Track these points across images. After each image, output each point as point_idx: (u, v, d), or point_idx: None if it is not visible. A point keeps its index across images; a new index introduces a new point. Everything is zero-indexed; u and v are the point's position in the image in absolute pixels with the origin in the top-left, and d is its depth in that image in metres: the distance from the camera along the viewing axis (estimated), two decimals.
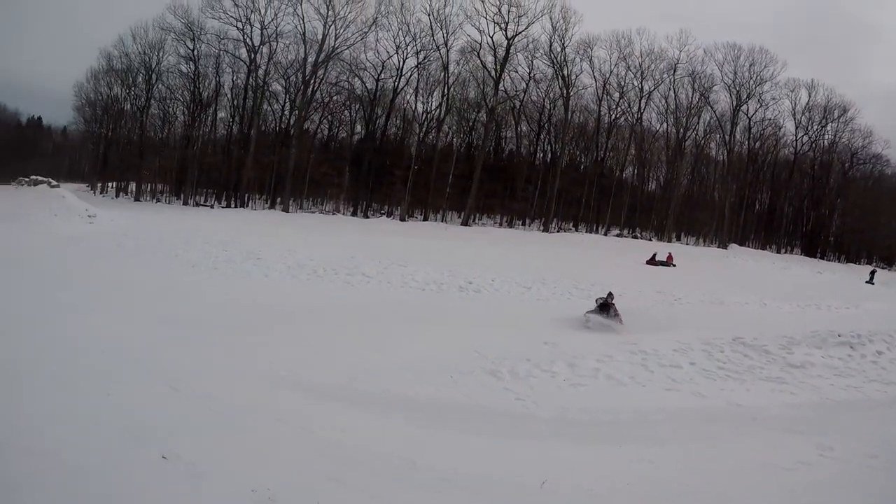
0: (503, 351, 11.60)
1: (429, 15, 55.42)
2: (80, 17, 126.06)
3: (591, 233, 54.93)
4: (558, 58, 56.36)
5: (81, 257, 22.40)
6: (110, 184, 67.44)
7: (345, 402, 8.92)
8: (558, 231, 54.86)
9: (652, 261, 32.03)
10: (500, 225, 56.70)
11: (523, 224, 57.16)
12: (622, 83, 58.61)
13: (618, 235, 54.15)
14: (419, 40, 56.34)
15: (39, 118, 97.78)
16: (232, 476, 5.52)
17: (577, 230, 56.57)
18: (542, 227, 54.97)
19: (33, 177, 37.93)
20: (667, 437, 8.01)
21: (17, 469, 4.45)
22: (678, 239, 56.10)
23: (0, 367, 8.04)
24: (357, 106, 60.96)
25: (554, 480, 6.30)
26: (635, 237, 54.29)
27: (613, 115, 59.61)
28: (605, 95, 58.61)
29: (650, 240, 52.67)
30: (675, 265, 31.70)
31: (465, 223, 53.35)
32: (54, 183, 37.30)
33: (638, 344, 11.99)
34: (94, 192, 64.09)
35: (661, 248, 38.92)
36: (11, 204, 31.19)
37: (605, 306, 15.45)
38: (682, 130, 59.37)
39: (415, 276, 21.28)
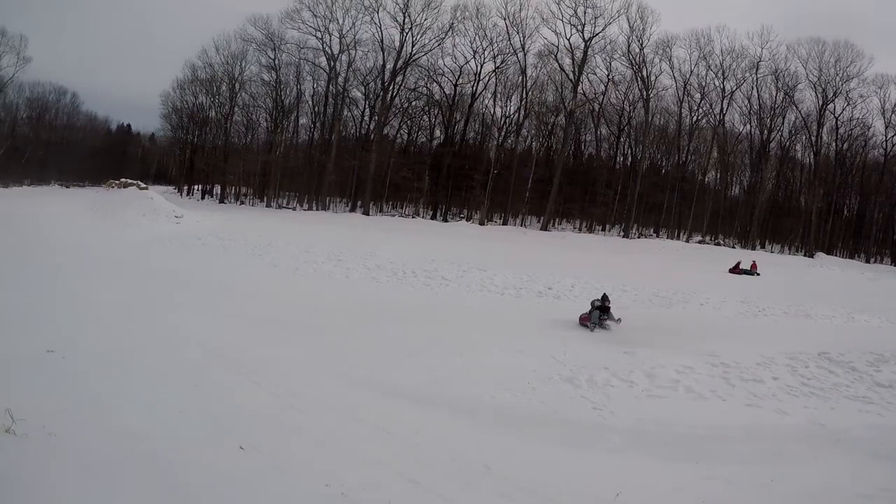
0: (582, 359, 11.60)
1: (504, 19, 55.49)
2: (165, 31, 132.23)
3: (671, 239, 53.53)
4: (637, 59, 55.37)
5: (168, 256, 23.45)
6: (196, 187, 70.36)
7: (422, 403, 9.05)
8: (638, 237, 53.78)
9: (736, 269, 31.25)
10: (580, 230, 56.06)
11: (603, 229, 56.31)
12: (703, 83, 56.49)
13: (699, 242, 52.49)
14: (496, 45, 56.49)
15: (128, 125, 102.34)
16: (307, 470, 5.68)
17: (657, 236, 55.28)
18: (622, 233, 54.12)
19: (123, 179, 39.55)
20: (745, 455, 7.81)
21: (111, 451, 4.66)
22: (762, 246, 54.03)
23: (100, 357, 8.49)
24: (436, 111, 61.56)
25: (628, 494, 6.29)
26: (717, 244, 52.82)
27: (695, 117, 57.45)
28: (685, 96, 56.85)
29: (733, 247, 51.15)
30: (759, 274, 30.87)
31: (544, 228, 52.99)
32: (143, 185, 38.95)
33: (719, 356, 11.77)
34: (181, 195, 66.68)
35: (745, 256, 37.83)
36: (103, 205, 33.08)
37: (605, 309, 15.20)
38: (765, 132, 56.54)
39: (493, 280, 21.24)
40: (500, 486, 6.31)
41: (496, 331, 14.18)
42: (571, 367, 11.08)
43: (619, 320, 14.96)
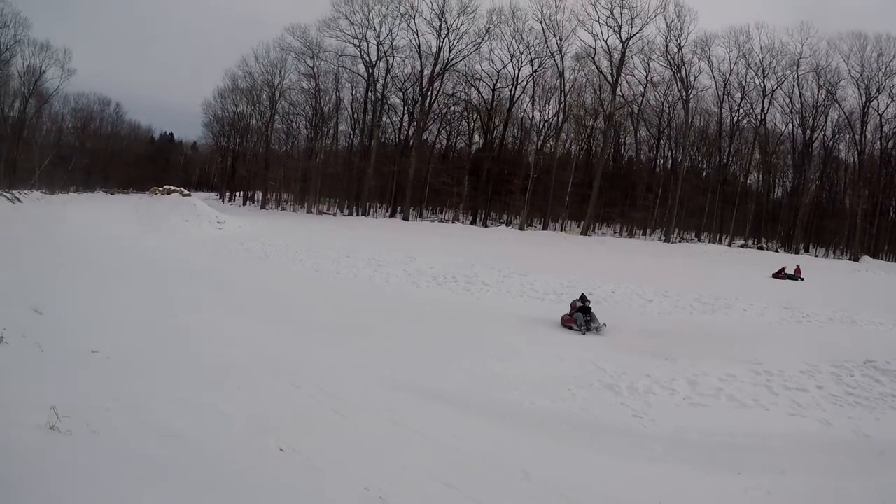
0: (622, 365, 11.58)
1: (541, 22, 55.18)
2: (206, 42, 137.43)
3: (713, 243, 52.68)
4: (675, 59, 54.46)
5: (211, 260, 23.91)
6: (237, 193, 71.64)
7: (461, 408, 9.11)
8: (680, 241, 53.04)
9: (779, 274, 30.86)
10: (620, 234, 55.69)
11: (643, 234, 55.82)
12: (743, 82, 55.67)
13: (742, 246, 51.47)
14: (533, 48, 56.37)
15: (171, 134, 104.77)
16: (345, 473, 5.67)
17: (699, 240, 54.73)
18: (662, 237, 53.42)
19: (166, 186, 40.42)
20: (787, 466, 7.71)
21: (153, 449, 4.69)
22: (806, 250, 52.79)
23: (144, 357, 8.64)
24: (474, 116, 61.56)
25: None
26: (760, 248, 51.67)
27: (735, 117, 56.81)
28: (725, 96, 56.00)
29: (776, 251, 50.00)
30: (802, 278, 30.36)
31: (584, 233, 52.59)
32: (186, 192, 39.58)
33: (763, 363, 11.65)
34: (223, 201, 68.01)
35: (788, 260, 37.34)
36: (148, 211, 33.67)
37: (587, 309, 15.46)
38: (808, 131, 55.26)
39: (534, 285, 21.17)
40: (539, 492, 6.35)
41: (536, 336, 14.32)
42: (612, 373, 11.13)
43: (604, 325, 15.11)
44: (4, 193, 30.39)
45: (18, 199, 30.68)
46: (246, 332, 12.36)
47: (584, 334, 14.79)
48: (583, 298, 15.90)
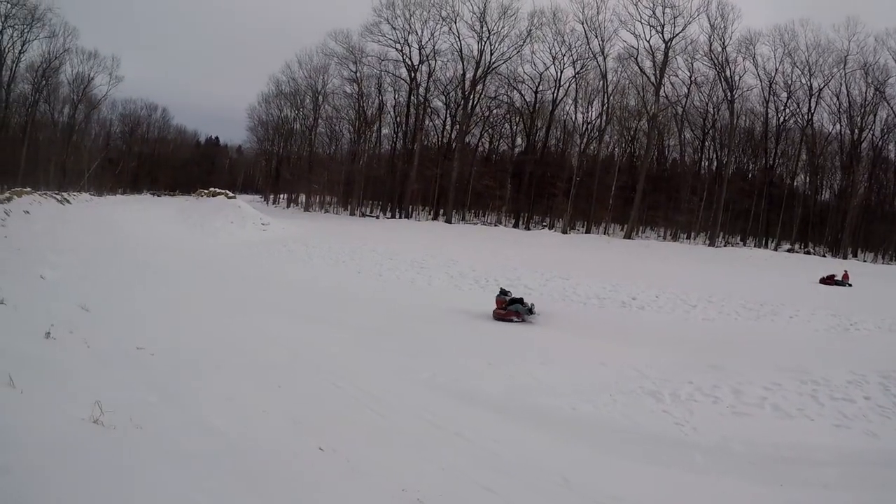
0: (665, 372, 11.42)
1: (582, 23, 54.88)
2: (250, 48, 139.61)
3: (759, 247, 51.40)
4: (719, 58, 53.30)
5: (255, 260, 24.26)
6: (282, 195, 72.84)
7: (502, 412, 9.09)
8: (725, 245, 52.09)
9: (827, 280, 30.21)
10: (664, 238, 54.95)
11: (688, 238, 54.99)
12: (789, 81, 53.55)
13: (788, 251, 50.10)
14: (575, 50, 56.10)
15: (217, 138, 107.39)
16: (383, 473, 5.68)
17: (744, 244, 53.57)
18: (707, 241, 52.54)
19: (212, 189, 41.08)
20: (832, 480, 7.52)
21: (195, 445, 4.74)
22: (854, 255, 50.71)
23: (188, 354, 8.78)
24: (517, 118, 61.58)
25: None
26: (807, 253, 49.94)
27: (782, 118, 54.93)
28: (771, 96, 54.34)
29: (823, 255, 48.49)
30: (850, 284, 29.64)
31: (627, 236, 52.03)
32: (231, 194, 40.27)
33: (809, 372, 11.38)
34: (267, 203, 69.26)
35: (836, 265, 36.56)
36: (194, 213, 34.27)
37: (518, 300, 16.40)
38: (856, 131, 52.33)
39: (576, 289, 21.07)
40: (578, 499, 6.35)
41: (578, 341, 14.19)
42: (655, 379, 10.99)
43: (538, 313, 16.36)
44: (55, 195, 31.18)
45: (68, 201, 31.42)
46: (288, 331, 12.55)
47: (524, 321, 15.92)
48: (503, 292, 16.82)
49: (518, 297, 16.85)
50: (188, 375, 7.39)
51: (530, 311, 16.31)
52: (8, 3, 43.66)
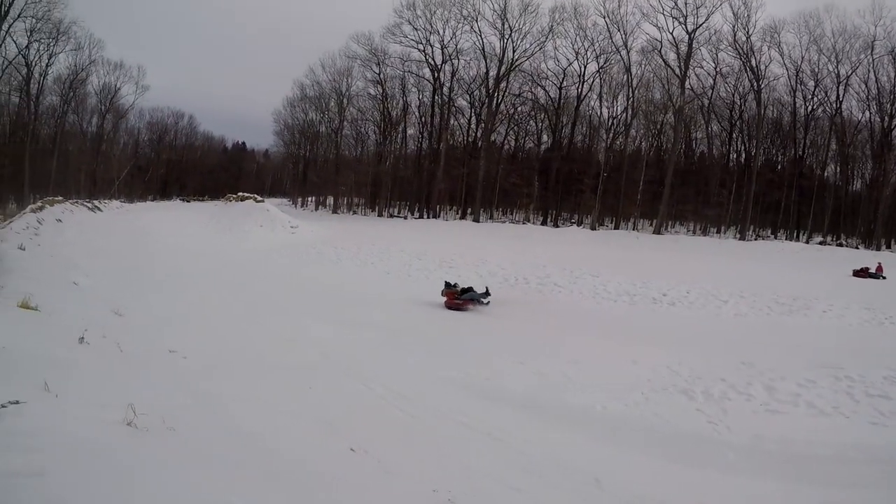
0: (697, 369, 11.36)
1: (604, 17, 54.52)
2: (271, 54, 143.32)
3: (790, 240, 50.42)
4: (744, 48, 52.06)
5: (284, 263, 24.44)
6: (309, 198, 73.44)
7: (532, 411, 9.08)
8: (755, 239, 51.06)
9: (861, 272, 29.53)
10: (694, 233, 54.30)
11: (718, 232, 54.06)
12: (816, 69, 51.69)
13: (820, 243, 48.79)
14: (598, 44, 55.75)
15: (243, 143, 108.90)
16: (415, 474, 5.68)
17: (775, 237, 52.68)
18: (737, 235, 51.74)
19: (240, 193, 41.46)
20: (869, 480, 7.38)
21: (227, 447, 4.79)
22: (888, 247, 48.94)
23: (220, 356, 8.90)
24: (542, 115, 61.39)
25: None
26: (839, 245, 48.84)
27: (810, 107, 53.30)
28: (798, 85, 52.94)
29: (856, 247, 47.25)
30: (885, 277, 28.72)
31: (657, 231, 51.61)
32: (259, 198, 40.64)
33: (844, 368, 11.22)
34: (295, 206, 69.92)
35: (869, 257, 35.81)
36: (223, 217, 34.55)
37: (467, 289, 17.57)
38: (886, 118, 49.86)
39: (606, 286, 20.95)
40: (609, 499, 6.34)
41: (609, 339, 14.08)
42: (687, 377, 10.93)
43: (489, 291, 17.96)
44: (86, 203, 31.76)
45: (99, 209, 31.96)
46: (317, 333, 12.67)
47: (475, 307, 17.20)
48: (448, 285, 17.95)
49: (467, 286, 17.90)
50: (219, 377, 7.51)
51: (486, 294, 17.61)
52: (33, 17, 44.46)
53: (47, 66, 53.93)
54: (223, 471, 4.12)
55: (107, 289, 12.93)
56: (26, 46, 50.05)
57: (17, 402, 3.77)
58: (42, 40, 50.98)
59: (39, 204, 27.00)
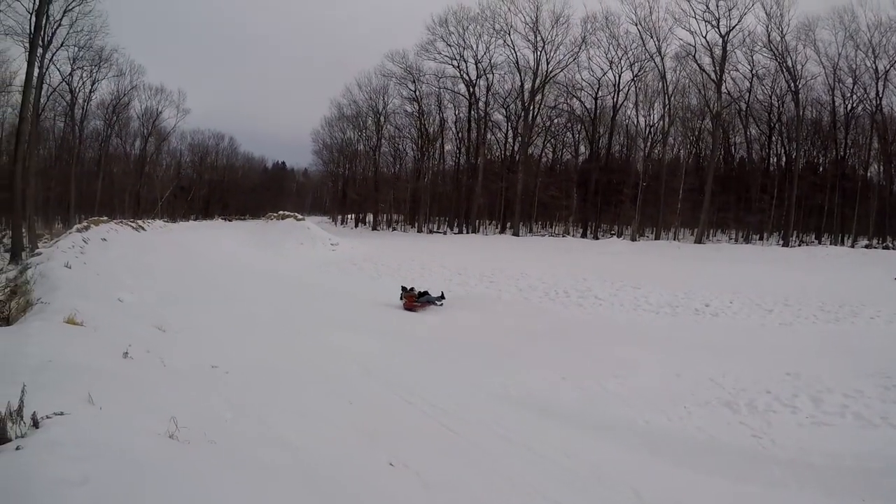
0: (741, 381, 11.21)
1: (636, 25, 54.34)
2: (309, 75, 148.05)
3: (835, 245, 48.32)
4: (779, 48, 50.83)
5: (326, 280, 24.72)
6: (349, 215, 74.41)
7: (573, 424, 9.06)
8: (799, 244, 49.80)
9: None
10: (736, 240, 53.43)
11: (760, 238, 53.34)
12: (853, 66, 49.52)
13: (866, 247, 47.16)
14: (631, 52, 55.62)
15: (283, 163, 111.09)
16: (454, 488, 5.68)
17: (819, 242, 50.99)
18: (781, 241, 50.85)
19: (281, 212, 42.02)
20: None
21: (268, 460, 4.76)
22: None
23: (262, 371, 8.98)
24: (579, 126, 61.22)
25: None
26: (886, 248, 46.73)
27: (849, 105, 51.17)
28: (836, 83, 51.07)
29: None
30: None
31: (698, 241, 50.66)
32: (300, 217, 40.99)
33: (892, 378, 10.91)
34: (335, 223, 70.81)
35: None
36: (265, 235, 34.96)
37: (424, 293, 19.48)
38: None
39: (648, 298, 20.74)
40: None
41: (652, 352, 13.88)
42: (731, 389, 10.81)
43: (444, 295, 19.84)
44: (130, 223, 32.68)
45: (143, 228, 32.80)
46: (358, 347, 12.73)
47: (438, 305, 19.20)
48: (406, 290, 19.65)
49: (423, 290, 19.71)
50: (261, 391, 7.58)
51: (441, 297, 19.54)
52: (76, 46, 46.14)
53: (91, 91, 56.00)
54: (263, 483, 4.19)
55: (151, 305, 13.16)
56: (70, 74, 51.83)
57: (61, 413, 3.86)
58: (85, 67, 52.95)
59: (85, 224, 27.63)
